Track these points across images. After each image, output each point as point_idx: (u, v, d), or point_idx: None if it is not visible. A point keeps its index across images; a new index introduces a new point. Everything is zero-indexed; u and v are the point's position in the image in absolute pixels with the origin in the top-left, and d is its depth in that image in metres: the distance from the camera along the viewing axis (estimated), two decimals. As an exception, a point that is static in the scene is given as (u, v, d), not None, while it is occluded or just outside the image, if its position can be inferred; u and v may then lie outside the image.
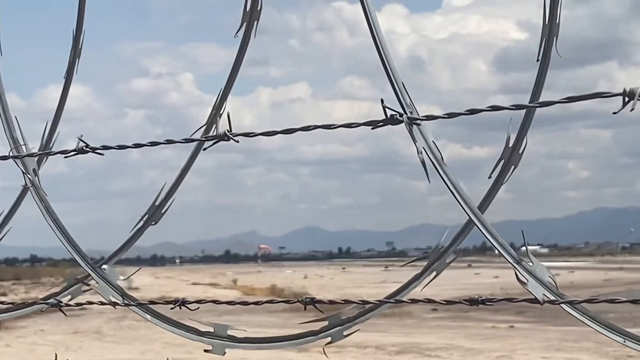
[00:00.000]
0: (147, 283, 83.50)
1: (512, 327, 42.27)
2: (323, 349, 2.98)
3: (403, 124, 2.54)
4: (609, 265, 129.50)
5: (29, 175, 3.32)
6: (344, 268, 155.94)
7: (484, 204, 2.89)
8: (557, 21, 2.87)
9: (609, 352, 30.58)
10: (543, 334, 38.77)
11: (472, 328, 41.98)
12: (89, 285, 3.33)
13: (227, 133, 2.74)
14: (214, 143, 2.81)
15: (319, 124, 2.54)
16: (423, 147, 2.57)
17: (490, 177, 2.89)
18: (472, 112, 2.36)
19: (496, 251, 2.64)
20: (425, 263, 3.06)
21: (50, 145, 3.54)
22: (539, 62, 2.86)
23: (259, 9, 3.26)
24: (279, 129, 2.55)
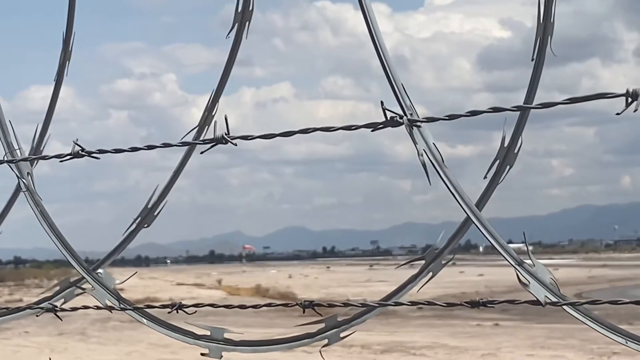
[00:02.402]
0: (131, 284, 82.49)
1: (497, 325, 42.37)
2: (320, 352, 2.96)
3: (403, 126, 2.52)
4: (593, 263, 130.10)
5: (24, 180, 3.29)
6: (328, 267, 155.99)
7: (479, 204, 2.88)
8: (552, 20, 2.85)
9: (593, 349, 30.68)
10: (528, 331, 38.86)
11: (457, 326, 42.05)
12: (83, 289, 3.31)
13: (225, 136, 2.70)
14: (212, 146, 2.78)
15: (318, 127, 2.52)
16: (424, 149, 2.55)
17: (485, 177, 2.88)
18: (473, 113, 2.34)
19: (499, 251, 2.62)
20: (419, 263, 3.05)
21: (41, 148, 3.52)
22: (534, 61, 2.84)
23: (250, 9, 3.25)
24: (277, 132, 2.54)
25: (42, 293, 3.51)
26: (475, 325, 42.45)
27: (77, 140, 2.90)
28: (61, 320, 3.23)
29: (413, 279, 3.02)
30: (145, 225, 3.38)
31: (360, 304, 2.85)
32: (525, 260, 2.58)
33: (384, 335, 37.64)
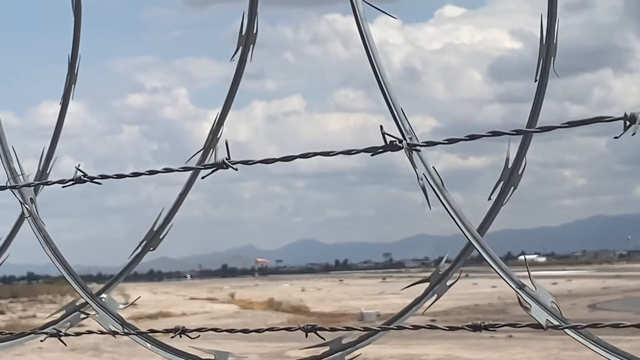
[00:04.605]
0: (144, 299, 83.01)
1: (510, 336, 42.20)
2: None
3: (402, 150, 2.52)
4: (607, 273, 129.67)
5: (26, 206, 3.30)
6: (341, 280, 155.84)
7: (484, 226, 2.89)
8: (555, 41, 2.85)
9: (608, 361, 30.55)
10: (542, 343, 38.72)
11: (471, 338, 41.89)
12: (87, 314, 3.31)
13: (226, 161, 2.71)
14: (213, 171, 2.78)
15: (318, 151, 2.53)
16: (423, 174, 2.55)
17: (489, 198, 2.88)
18: (472, 137, 2.34)
19: (500, 275, 2.61)
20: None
21: (47, 171, 3.53)
22: (537, 82, 2.84)
23: (254, 32, 3.26)
24: (277, 157, 2.54)
25: (52, 314, 3.51)
26: (488, 337, 42.29)
27: (79, 165, 2.91)
28: (65, 345, 3.24)
29: (417, 302, 3.04)
30: (151, 249, 3.39)
31: (363, 327, 2.86)
32: (526, 285, 2.58)
33: (397, 348, 37.56)
